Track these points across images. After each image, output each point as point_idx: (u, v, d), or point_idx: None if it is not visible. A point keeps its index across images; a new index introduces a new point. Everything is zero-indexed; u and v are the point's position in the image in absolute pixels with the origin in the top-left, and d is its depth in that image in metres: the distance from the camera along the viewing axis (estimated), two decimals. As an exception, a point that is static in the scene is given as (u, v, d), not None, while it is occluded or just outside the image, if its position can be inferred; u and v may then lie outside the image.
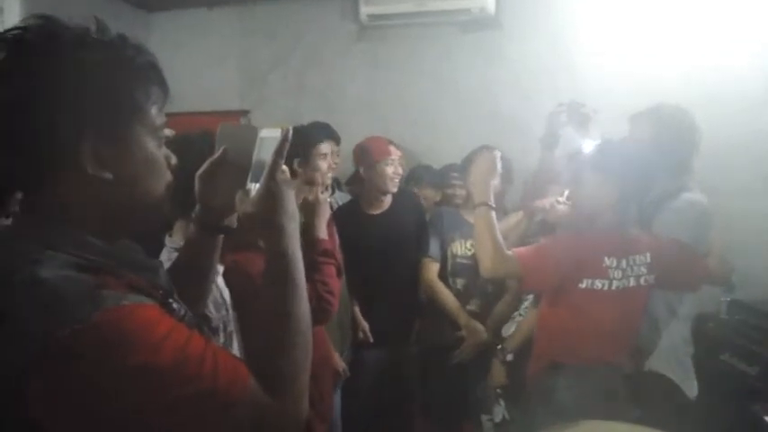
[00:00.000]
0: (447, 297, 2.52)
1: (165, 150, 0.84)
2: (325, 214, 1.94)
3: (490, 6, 3.33)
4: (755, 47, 2.91)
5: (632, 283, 1.75)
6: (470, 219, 2.59)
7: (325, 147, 2.17)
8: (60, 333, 0.62)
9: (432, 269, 2.56)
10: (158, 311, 0.71)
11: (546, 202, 2.20)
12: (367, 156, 2.55)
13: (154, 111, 0.81)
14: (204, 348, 0.71)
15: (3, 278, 0.66)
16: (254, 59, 3.95)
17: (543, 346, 1.87)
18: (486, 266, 1.78)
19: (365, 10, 3.54)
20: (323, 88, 3.79)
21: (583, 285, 1.72)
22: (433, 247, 2.57)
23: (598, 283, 1.72)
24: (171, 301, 0.81)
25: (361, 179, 2.63)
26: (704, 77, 2.94)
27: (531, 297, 2.38)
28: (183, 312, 0.83)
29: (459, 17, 3.43)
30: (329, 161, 2.22)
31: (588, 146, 1.96)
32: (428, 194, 2.94)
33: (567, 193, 2.07)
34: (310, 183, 2.07)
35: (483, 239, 1.77)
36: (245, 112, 3.92)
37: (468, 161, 2.60)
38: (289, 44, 3.88)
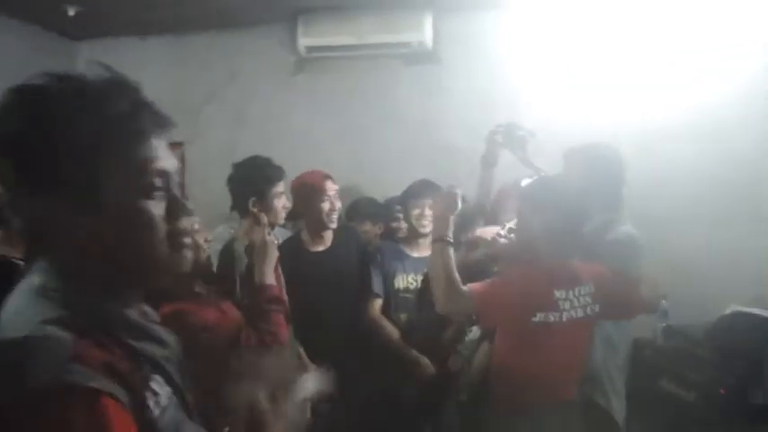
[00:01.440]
0: (391, 332, 2.48)
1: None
2: (272, 258, 1.87)
3: (428, 40, 3.37)
4: (717, 77, 3.03)
5: (580, 313, 1.76)
6: (413, 252, 2.59)
7: (282, 186, 2.14)
8: (17, 387, 0.59)
9: (375, 306, 2.52)
10: (115, 413, 0.61)
11: (487, 234, 2.21)
12: (304, 191, 2.48)
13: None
14: None
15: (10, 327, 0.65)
16: (188, 91, 3.83)
17: (502, 386, 1.85)
18: (442, 303, 1.78)
19: (303, 41, 3.51)
20: (261, 121, 3.71)
21: (536, 319, 1.72)
22: (376, 283, 2.53)
23: (551, 317, 1.73)
24: (150, 394, 0.69)
25: (300, 215, 2.56)
26: (643, 111, 3.07)
27: (474, 329, 2.37)
28: (157, 412, 0.69)
29: (398, 50, 3.46)
30: (284, 201, 2.18)
31: (525, 180, 2.00)
32: (369, 228, 2.90)
33: (508, 225, 2.09)
34: (265, 222, 2.01)
35: (439, 275, 1.76)
36: (179, 144, 3.77)
37: (408, 194, 2.59)
38: (225, 75, 3.80)
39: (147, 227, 0.72)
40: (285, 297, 1.90)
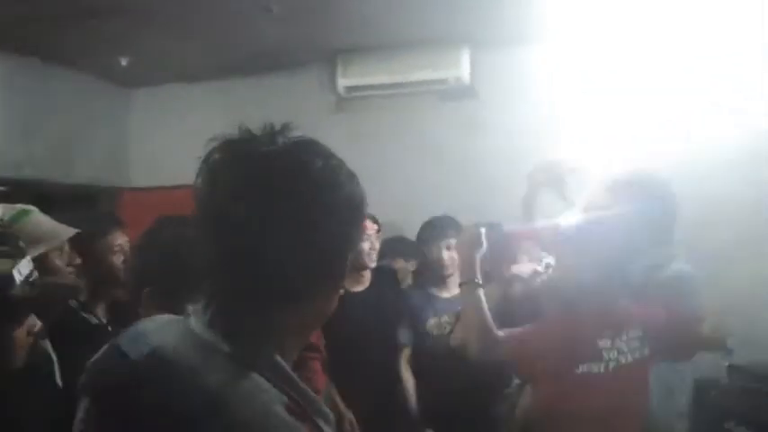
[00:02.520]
0: (407, 391, 2.44)
1: None
2: None
3: (465, 76, 3.37)
4: (735, 106, 2.94)
5: (629, 359, 1.65)
6: (442, 293, 2.51)
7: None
8: None
9: (401, 356, 2.49)
10: None
11: (525, 269, 2.11)
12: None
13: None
14: None
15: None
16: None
17: None
18: (474, 351, 1.66)
19: (342, 82, 3.58)
20: (303, 160, 3.77)
21: (579, 371, 1.61)
22: (402, 333, 2.48)
23: (594, 367, 1.61)
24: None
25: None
26: (686, 138, 2.95)
27: None
28: None
29: (436, 87, 3.47)
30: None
31: (568, 217, 1.91)
32: (402, 266, 2.89)
33: (545, 261, 1.99)
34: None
35: (470, 321, 1.66)
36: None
37: (425, 234, 2.54)
38: (267, 117, 3.88)
39: None
40: (321, 345, 1.87)
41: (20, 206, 1.47)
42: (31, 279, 1.09)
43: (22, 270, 1.08)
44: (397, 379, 2.48)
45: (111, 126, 4.17)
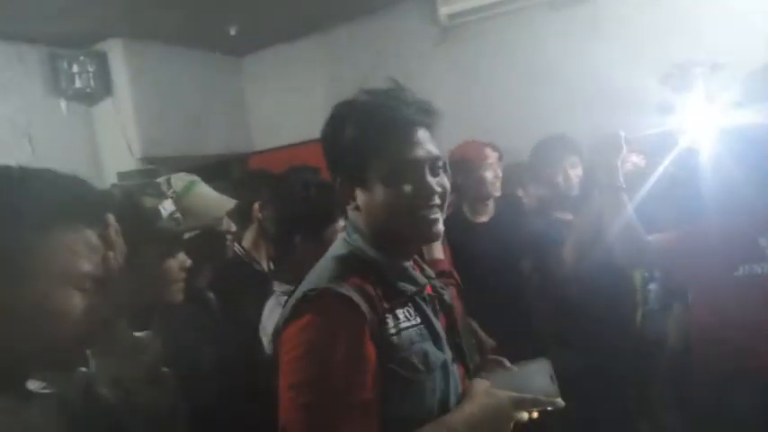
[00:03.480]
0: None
1: None
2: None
3: (577, -23, 3.07)
4: None
5: None
6: (565, 215, 2.36)
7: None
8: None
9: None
10: (351, 312, 0.90)
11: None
12: (463, 163, 2.41)
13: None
14: None
15: None
16: (339, 84, 3.98)
17: (707, 354, 1.62)
18: (623, 255, 1.66)
19: (444, 10, 3.44)
20: (412, 98, 3.72)
21: (739, 273, 1.49)
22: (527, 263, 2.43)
23: (757, 268, 1.48)
24: (391, 315, 0.96)
25: (459, 187, 2.50)
26: None
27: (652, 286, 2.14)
28: (393, 330, 0.94)
29: (544, -3, 3.20)
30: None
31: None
32: (531, 192, 2.75)
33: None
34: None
35: (613, 224, 1.64)
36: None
37: (538, 156, 2.40)
38: (371, 60, 3.87)
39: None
40: (454, 271, 1.87)
41: (187, 176, 1.57)
42: (175, 216, 1.21)
43: (167, 207, 1.20)
44: (529, 307, 2.43)
45: (230, 95, 4.40)
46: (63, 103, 3.61)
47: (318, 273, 0.98)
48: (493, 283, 2.29)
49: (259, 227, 2.07)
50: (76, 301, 0.73)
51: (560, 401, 0.98)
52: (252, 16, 3.55)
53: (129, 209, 1.12)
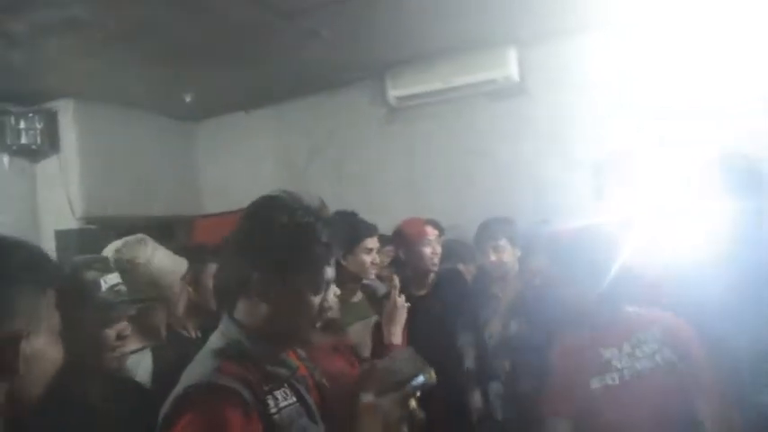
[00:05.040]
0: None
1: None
2: (401, 320, 1.87)
3: (514, 74, 3.36)
4: None
5: (647, 364, 1.55)
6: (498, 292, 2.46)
7: (371, 242, 2.16)
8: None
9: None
10: (234, 403, 0.95)
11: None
12: (404, 239, 2.53)
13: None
14: None
15: None
16: (291, 154, 4.12)
17: None
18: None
19: (393, 93, 3.65)
20: (360, 173, 3.87)
21: (594, 386, 1.56)
22: (461, 336, 2.46)
23: (608, 379, 1.56)
24: (271, 398, 1.04)
25: (403, 262, 2.61)
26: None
27: None
28: (274, 410, 1.02)
29: (485, 88, 3.47)
30: (373, 256, 2.19)
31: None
32: (462, 269, 2.85)
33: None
34: (354, 278, 2.05)
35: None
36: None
37: (478, 237, 2.49)
38: (323, 135, 4.03)
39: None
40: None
41: (138, 242, 1.66)
42: (116, 288, 1.28)
43: (108, 280, 1.27)
44: (464, 380, 2.48)
45: (182, 159, 4.44)
46: (6, 158, 3.56)
47: (198, 365, 1.05)
48: (429, 355, 2.35)
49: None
50: None
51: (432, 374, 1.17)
52: (208, 85, 3.66)
53: (71, 281, 1.19)
